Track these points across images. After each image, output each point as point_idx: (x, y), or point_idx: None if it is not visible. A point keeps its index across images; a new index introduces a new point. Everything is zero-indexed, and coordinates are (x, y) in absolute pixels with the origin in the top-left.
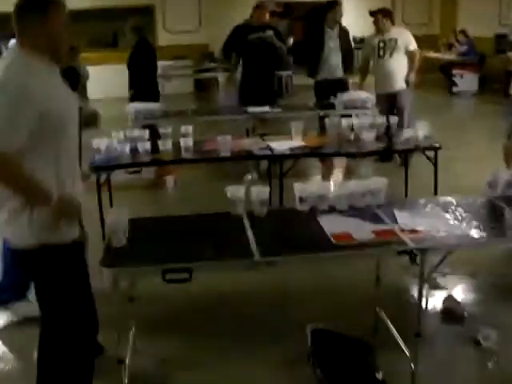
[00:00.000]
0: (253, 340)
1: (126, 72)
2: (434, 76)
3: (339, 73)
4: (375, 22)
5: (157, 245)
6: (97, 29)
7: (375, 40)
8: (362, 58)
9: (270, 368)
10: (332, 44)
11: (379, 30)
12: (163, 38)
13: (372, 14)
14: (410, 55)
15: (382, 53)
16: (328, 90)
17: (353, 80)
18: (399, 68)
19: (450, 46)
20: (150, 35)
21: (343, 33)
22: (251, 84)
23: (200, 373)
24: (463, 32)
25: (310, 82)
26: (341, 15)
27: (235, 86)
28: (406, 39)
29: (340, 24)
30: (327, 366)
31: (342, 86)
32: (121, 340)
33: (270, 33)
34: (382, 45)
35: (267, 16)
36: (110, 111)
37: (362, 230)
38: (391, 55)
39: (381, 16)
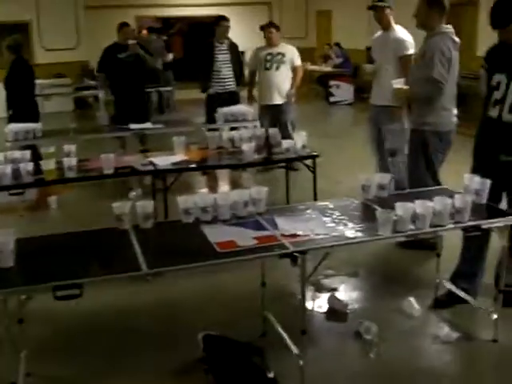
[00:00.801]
0: (145, 352)
1: (2, 92)
2: (311, 87)
3: (231, 86)
4: (267, 36)
5: (45, 263)
6: None
7: (262, 53)
8: (249, 71)
9: (163, 378)
10: (222, 58)
11: (269, 44)
12: (40, 56)
13: (263, 27)
14: (295, 70)
15: (268, 65)
16: (220, 103)
17: (244, 92)
18: (284, 81)
19: (325, 59)
20: (27, 53)
21: (233, 46)
22: (122, 102)
23: None
24: (338, 44)
25: (192, 95)
26: (227, 30)
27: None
28: (292, 54)
29: (229, 38)
30: (219, 371)
31: (233, 98)
32: (12, 363)
33: (132, 43)
34: (269, 58)
35: (132, 34)
36: None
37: (245, 237)
38: (277, 68)
39: (274, 30)
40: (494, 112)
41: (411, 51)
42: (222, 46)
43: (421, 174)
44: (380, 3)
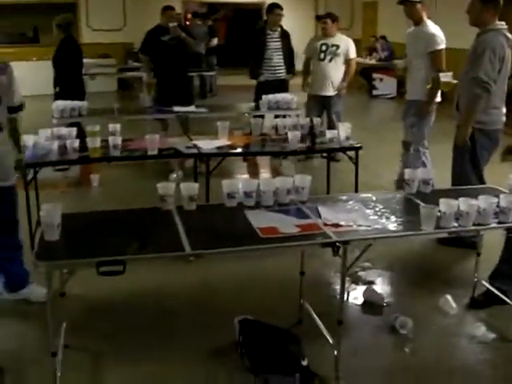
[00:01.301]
0: (181, 333)
1: (48, 69)
2: (354, 79)
3: (282, 73)
4: (322, 26)
5: (89, 239)
6: (17, 24)
7: (318, 43)
8: (304, 60)
9: (198, 360)
10: (273, 45)
11: (325, 34)
12: (86, 36)
13: (319, 17)
14: (348, 62)
15: (322, 56)
16: (269, 91)
17: (293, 81)
18: (336, 73)
19: (370, 51)
20: (75, 32)
21: (285, 35)
22: (165, 85)
23: (130, 368)
24: (383, 37)
25: (234, 81)
26: (280, 18)
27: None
28: (347, 46)
29: (281, 26)
30: (255, 355)
31: (282, 86)
32: (53, 334)
33: (173, 25)
34: (324, 48)
35: (182, 18)
36: (33, 108)
37: (287, 225)
38: (331, 60)
39: (329, 20)
40: None
41: (442, 46)
42: (274, 34)
43: (465, 172)
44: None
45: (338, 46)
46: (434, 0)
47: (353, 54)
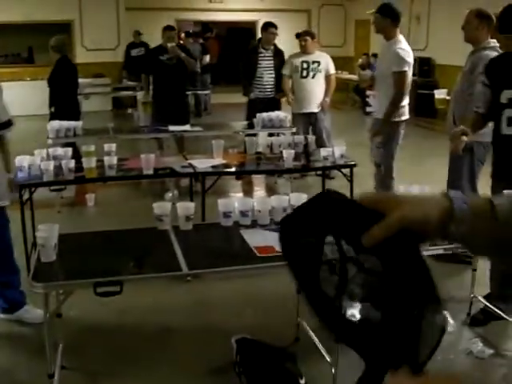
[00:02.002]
0: (179, 352)
1: (44, 89)
2: (348, 96)
3: (271, 92)
4: (301, 43)
5: (86, 259)
6: (11, 44)
7: (298, 61)
8: (285, 79)
9: (196, 379)
10: (266, 64)
11: (304, 52)
12: (81, 55)
13: (299, 35)
14: (328, 79)
15: (305, 73)
16: (260, 109)
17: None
18: (319, 89)
19: (363, 68)
20: (69, 53)
21: (278, 53)
22: (163, 104)
23: None
24: (375, 55)
25: (228, 99)
26: (274, 37)
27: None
28: (327, 62)
29: (275, 45)
30: (252, 375)
31: (273, 104)
32: (50, 356)
33: (172, 45)
34: (305, 66)
35: (176, 37)
36: (28, 128)
37: None
38: (314, 77)
39: (309, 38)
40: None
41: (405, 68)
42: (267, 53)
43: (462, 183)
44: (377, 14)
45: (319, 63)
46: (427, 16)
47: (332, 69)
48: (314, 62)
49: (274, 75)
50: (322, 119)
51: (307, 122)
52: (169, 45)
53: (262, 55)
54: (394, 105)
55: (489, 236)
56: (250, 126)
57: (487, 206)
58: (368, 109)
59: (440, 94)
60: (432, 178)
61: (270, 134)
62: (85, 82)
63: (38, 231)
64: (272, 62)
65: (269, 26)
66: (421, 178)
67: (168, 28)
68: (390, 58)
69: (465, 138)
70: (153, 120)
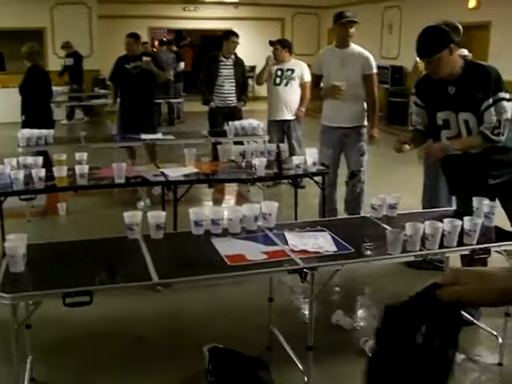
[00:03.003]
0: (151, 362)
1: (15, 96)
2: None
3: (232, 101)
4: (273, 52)
5: (56, 270)
6: None
7: (274, 67)
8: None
9: None
10: (226, 73)
11: (277, 60)
12: (52, 63)
13: (272, 43)
14: (303, 86)
15: (278, 81)
16: (221, 118)
17: (258, 107)
18: (293, 97)
19: None
20: (41, 60)
21: (238, 62)
22: (129, 113)
23: None
24: None
25: (200, 108)
26: (235, 46)
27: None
28: (302, 70)
29: (235, 54)
30: (225, 383)
31: (234, 113)
32: (18, 368)
33: (146, 60)
34: (279, 73)
35: (140, 45)
36: None
37: (255, 252)
38: (287, 84)
39: (279, 47)
40: None
41: (376, 70)
42: (228, 61)
43: (438, 194)
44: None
45: (292, 70)
46: (399, 25)
47: (307, 77)
48: (288, 70)
49: (234, 84)
50: (294, 128)
51: (281, 129)
52: (144, 59)
53: (223, 64)
54: (376, 106)
55: None
56: (215, 133)
57: None
58: None
59: None
60: (406, 186)
61: (242, 142)
62: (57, 90)
63: (6, 241)
64: (233, 70)
65: (231, 35)
66: (395, 186)
67: (129, 35)
68: (361, 62)
69: (407, 147)
70: (119, 129)
